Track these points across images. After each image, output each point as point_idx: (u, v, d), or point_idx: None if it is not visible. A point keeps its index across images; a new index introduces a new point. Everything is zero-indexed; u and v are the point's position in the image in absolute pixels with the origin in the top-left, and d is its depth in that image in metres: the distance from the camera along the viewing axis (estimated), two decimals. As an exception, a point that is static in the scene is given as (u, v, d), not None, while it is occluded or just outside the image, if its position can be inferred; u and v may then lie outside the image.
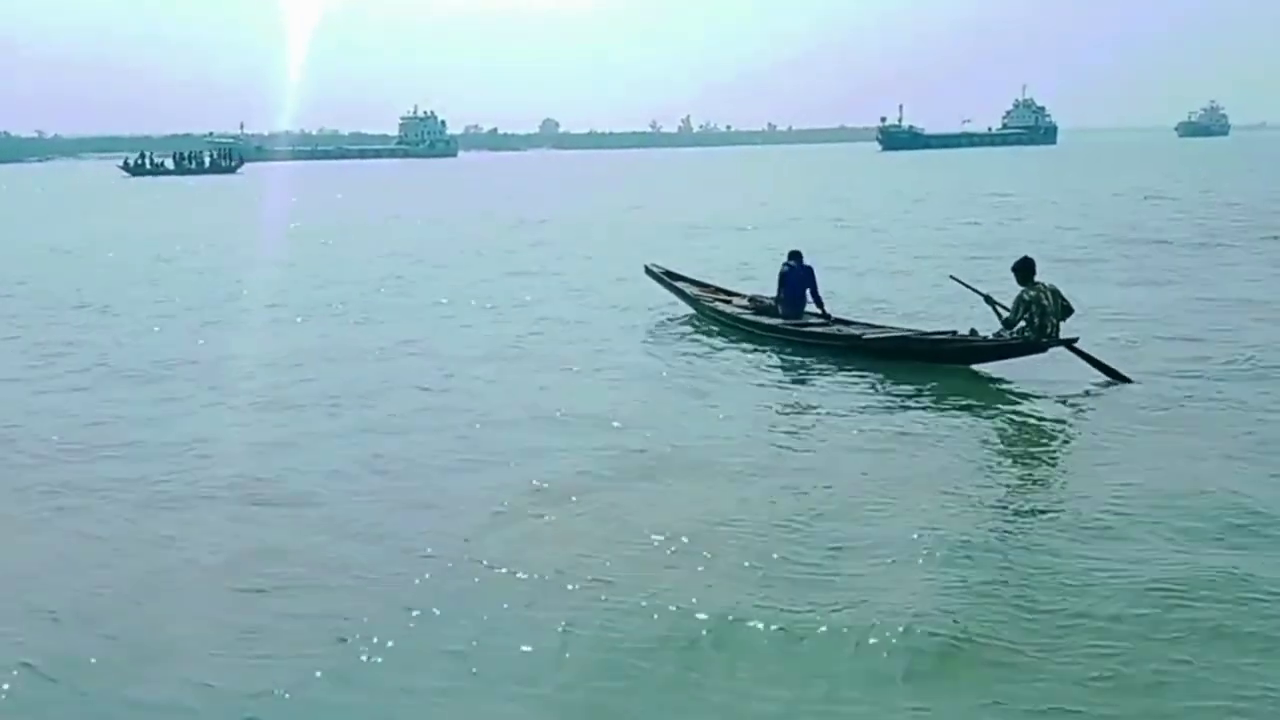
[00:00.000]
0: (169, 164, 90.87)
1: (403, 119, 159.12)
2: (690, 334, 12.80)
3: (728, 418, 8.84)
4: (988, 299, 10.19)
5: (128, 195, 58.50)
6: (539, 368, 11.01)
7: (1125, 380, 9.36)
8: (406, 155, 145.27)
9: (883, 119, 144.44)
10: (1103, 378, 9.42)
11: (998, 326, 9.89)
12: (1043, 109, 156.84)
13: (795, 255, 12.25)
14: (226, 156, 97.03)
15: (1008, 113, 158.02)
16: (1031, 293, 9.57)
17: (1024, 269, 9.69)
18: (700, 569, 5.73)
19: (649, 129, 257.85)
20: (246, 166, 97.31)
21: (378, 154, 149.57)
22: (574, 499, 6.84)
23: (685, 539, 6.09)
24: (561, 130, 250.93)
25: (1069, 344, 9.53)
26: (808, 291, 12.08)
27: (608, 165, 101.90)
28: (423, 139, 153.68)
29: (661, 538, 6.12)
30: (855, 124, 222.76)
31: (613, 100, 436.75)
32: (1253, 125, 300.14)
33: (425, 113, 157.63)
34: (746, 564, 5.78)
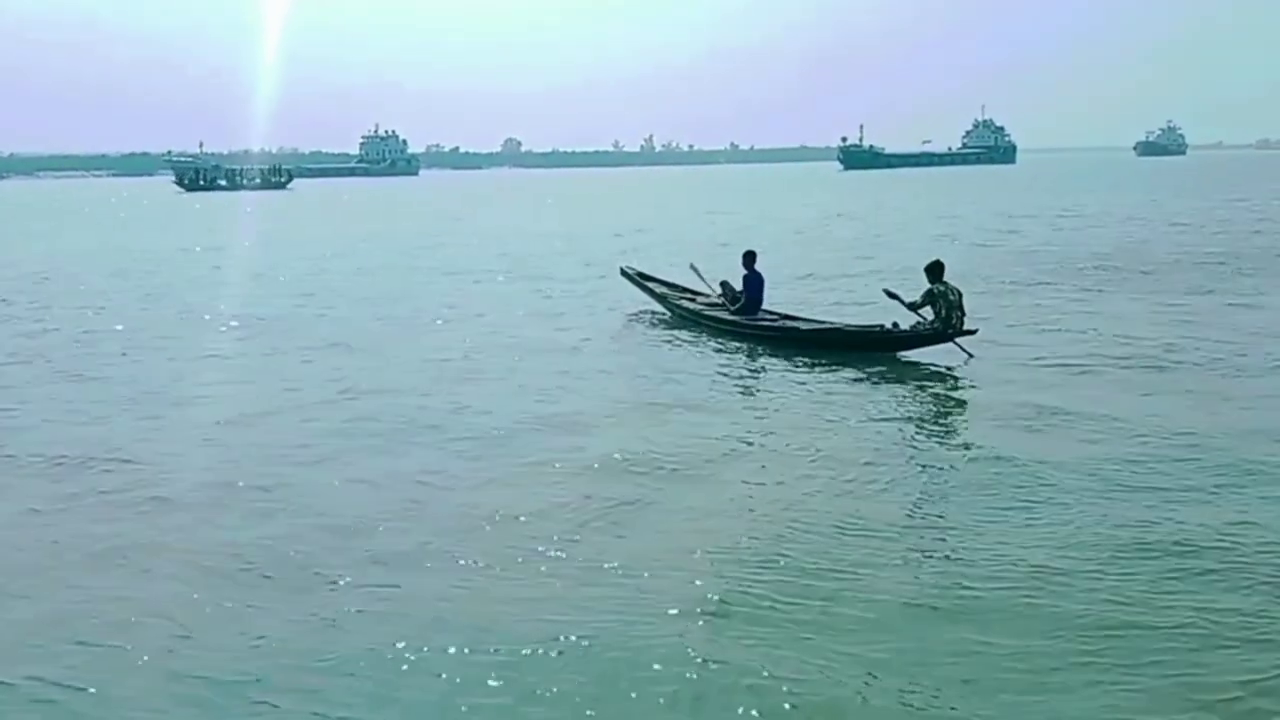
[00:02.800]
0: (222, 181, 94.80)
1: (364, 138, 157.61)
2: (659, 328, 14.29)
3: (693, 399, 9.98)
4: (888, 293, 11.73)
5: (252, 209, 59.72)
6: (530, 360, 11.99)
7: (970, 356, 11.10)
8: (367, 174, 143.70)
9: (843, 138, 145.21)
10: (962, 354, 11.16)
11: (913, 319, 11.43)
12: (1002, 129, 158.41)
13: (750, 255, 13.53)
14: (277, 173, 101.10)
15: (968, 132, 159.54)
16: (940, 288, 11.32)
17: (935, 268, 11.50)
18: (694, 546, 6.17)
19: (611, 148, 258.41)
20: (295, 183, 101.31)
21: (338, 173, 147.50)
22: (555, 480, 7.42)
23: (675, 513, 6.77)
24: (524, 149, 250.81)
25: (966, 333, 11.18)
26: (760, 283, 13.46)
27: (573, 183, 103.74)
28: (384, 158, 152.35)
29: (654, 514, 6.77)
30: (816, 143, 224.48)
31: (575, 119, 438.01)
32: (1209, 145, 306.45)
33: (386, 131, 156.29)
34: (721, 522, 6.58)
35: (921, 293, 11.41)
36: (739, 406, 9.93)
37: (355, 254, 27.54)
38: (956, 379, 10.71)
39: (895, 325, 11.51)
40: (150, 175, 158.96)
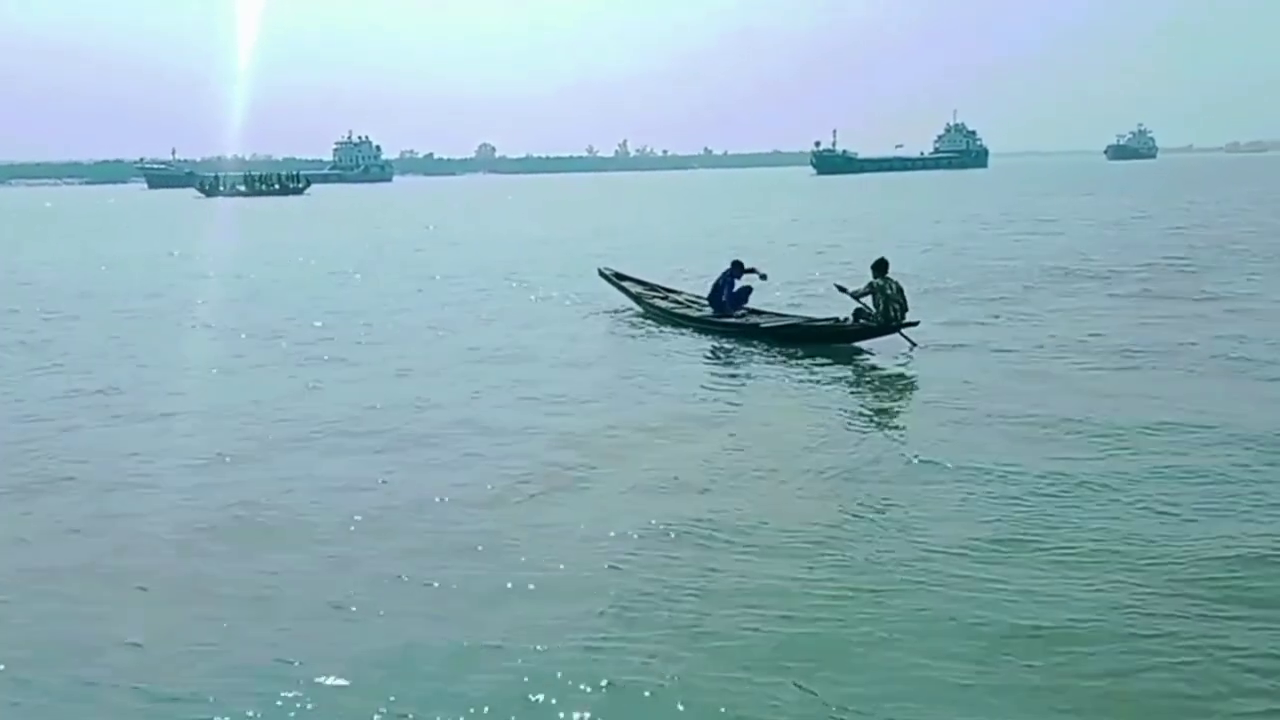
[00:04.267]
0: (241, 187, 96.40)
1: (337, 144, 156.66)
2: (634, 324, 15.41)
3: (659, 384, 11.16)
4: (839, 287, 13.06)
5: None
6: (520, 349, 13.39)
7: (914, 345, 12.22)
8: (341, 180, 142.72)
9: (816, 143, 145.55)
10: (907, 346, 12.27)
11: (858, 309, 12.69)
12: (974, 133, 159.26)
13: (736, 265, 14.53)
14: (294, 179, 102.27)
15: (939, 136, 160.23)
16: (880, 282, 12.45)
17: (880, 265, 12.66)
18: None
19: (586, 153, 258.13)
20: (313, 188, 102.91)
21: (311, 179, 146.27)
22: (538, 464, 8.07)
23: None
24: (498, 155, 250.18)
25: (909, 325, 12.27)
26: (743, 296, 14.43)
27: (549, 190, 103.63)
28: (357, 164, 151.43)
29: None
30: (790, 148, 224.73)
31: (548, 125, 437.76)
32: (1180, 148, 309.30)
33: (360, 137, 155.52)
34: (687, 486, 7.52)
35: (865, 283, 12.56)
36: (702, 396, 10.60)
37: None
38: (904, 371, 11.56)
39: (848, 319, 12.78)
40: (123, 182, 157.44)
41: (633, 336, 14.51)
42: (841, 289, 12.92)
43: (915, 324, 12.31)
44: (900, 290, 12.47)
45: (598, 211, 54.51)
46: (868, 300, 12.49)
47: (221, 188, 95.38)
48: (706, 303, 14.86)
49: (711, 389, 10.91)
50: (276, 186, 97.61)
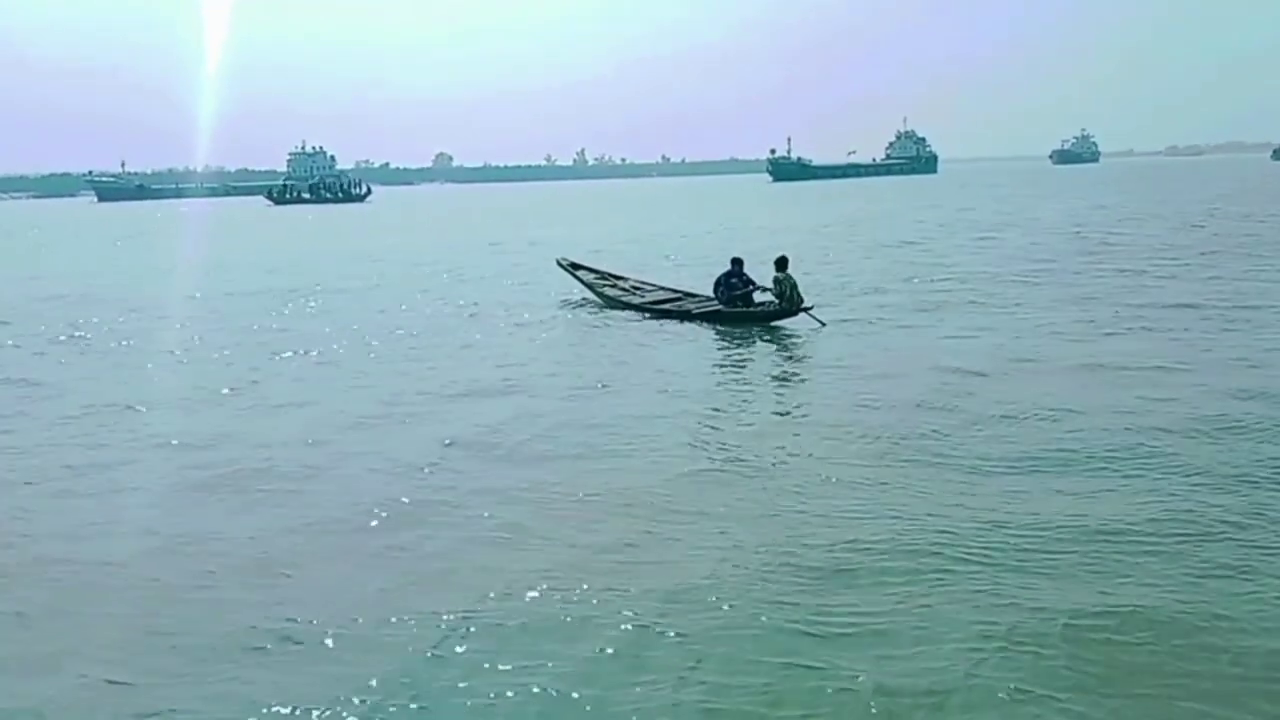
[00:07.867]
0: (306, 194, 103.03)
1: (291, 154, 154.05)
2: (586, 309, 17.62)
3: (602, 358, 13.21)
4: (760, 288, 15.66)
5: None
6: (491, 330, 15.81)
7: (822, 324, 14.70)
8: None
9: (772, 151, 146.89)
10: (815, 324, 14.76)
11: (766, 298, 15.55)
12: (923, 140, 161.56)
13: (735, 262, 16.35)
14: (357, 185, 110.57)
15: (891, 143, 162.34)
16: (781, 276, 15.29)
17: (780, 262, 15.40)
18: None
19: (544, 162, 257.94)
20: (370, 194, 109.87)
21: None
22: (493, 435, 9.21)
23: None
24: (455, 164, 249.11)
25: (806, 310, 14.99)
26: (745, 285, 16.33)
27: (510, 199, 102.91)
28: (311, 174, 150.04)
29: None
30: (746, 155, 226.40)
31: (505, 133, 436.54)
32: (1121, 152, 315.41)
33: (314, 148, 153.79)
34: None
35: (771, 282, 15.36)
36: (625, 366, 12.57)
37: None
38: (808, 349, 13.66)
39: (761, 305, 15.65)
40: (71, 196, 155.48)
41: (584, 318, 16.79)
42: (764, 290, 15.61)
43: (810, 308, 15.01)
44: (794, 283, 15.27)
45: (563, 221, 53.76)
46: (774, 297, 15.34)
47: (289, 195, 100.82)
48: (653, 288, 17.88)
49: (634, 361, 12.89)
50: (340, 194, 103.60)
